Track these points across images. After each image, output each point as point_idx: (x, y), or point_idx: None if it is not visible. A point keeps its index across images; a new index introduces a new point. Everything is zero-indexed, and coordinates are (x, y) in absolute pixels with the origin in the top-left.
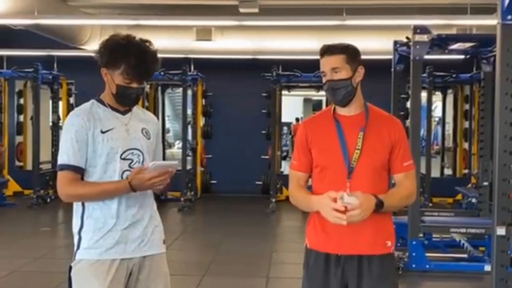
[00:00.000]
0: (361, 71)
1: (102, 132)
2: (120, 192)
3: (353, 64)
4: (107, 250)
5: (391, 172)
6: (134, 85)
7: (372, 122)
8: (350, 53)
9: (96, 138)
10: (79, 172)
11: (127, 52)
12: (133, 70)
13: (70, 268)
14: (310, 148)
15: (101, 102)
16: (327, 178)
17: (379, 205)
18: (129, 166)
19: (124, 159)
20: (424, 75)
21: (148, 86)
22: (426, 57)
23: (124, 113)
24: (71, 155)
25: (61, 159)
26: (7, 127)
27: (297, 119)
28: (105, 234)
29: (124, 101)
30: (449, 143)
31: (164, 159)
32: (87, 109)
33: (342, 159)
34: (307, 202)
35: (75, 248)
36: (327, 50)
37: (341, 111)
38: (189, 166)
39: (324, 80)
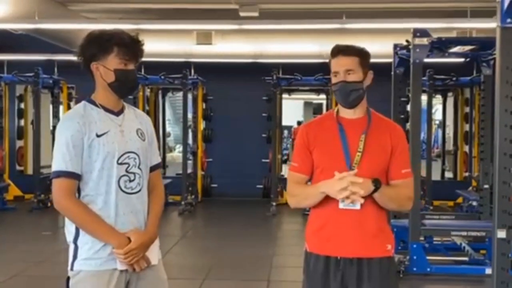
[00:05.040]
0: (370, 75)
1: (98, 136)
2: (108, 241)
3: (365, 67)
4: (107, 260)
5: (388, 178)
6: (131, 66)
7: (374, 126)
8: (364, 56)
9: (92, 143)
10: (77, 178)
11: (117, 34)
12: (128, 48)
13: (68, 279)
14: (311, 150)
15: (93, 103)
16: (328, 179)
17: (377, 182)
18: (126, 171)
19: (120, 163)
20: (424, 78)
21: (148, 90)
22: (426, 60)
23: (117, 114)
24: (68, 161)
25: (57, 165)
26: (8, 131)
27: (299, 123)
28: (104, 244)
29: (125, 86)
30: (449, 146)
31: (164, 162)
32: (81, 112)
33: (343, 160)
34: (312, 189)
35: (71, 257)
36: (342, 50)
37: (345, 113)
38: (189, 170)
39: (335, 80)
